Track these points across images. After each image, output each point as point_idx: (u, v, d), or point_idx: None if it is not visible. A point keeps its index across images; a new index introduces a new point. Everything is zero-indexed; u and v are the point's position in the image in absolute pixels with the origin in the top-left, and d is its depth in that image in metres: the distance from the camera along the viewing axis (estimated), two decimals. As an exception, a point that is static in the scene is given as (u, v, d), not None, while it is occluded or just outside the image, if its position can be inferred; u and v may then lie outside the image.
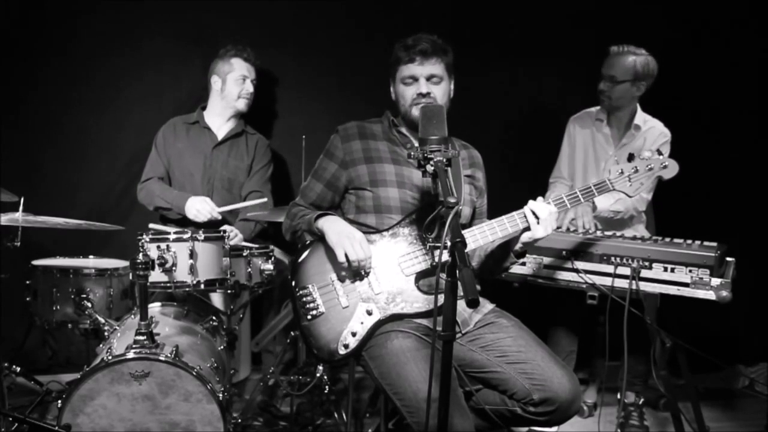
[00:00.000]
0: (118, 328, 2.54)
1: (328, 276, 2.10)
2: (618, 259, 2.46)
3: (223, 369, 2.53)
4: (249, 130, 3.30)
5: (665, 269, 2.39)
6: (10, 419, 2.30)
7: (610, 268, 2.47)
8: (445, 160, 1.79)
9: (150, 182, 3.15)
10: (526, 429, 2.53)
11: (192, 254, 2.35)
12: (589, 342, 3.20)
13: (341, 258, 2.01)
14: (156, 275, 2.31)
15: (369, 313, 2.04)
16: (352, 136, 2.22)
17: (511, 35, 3.71)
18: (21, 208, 2.64)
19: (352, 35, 3.63)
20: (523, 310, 2.24)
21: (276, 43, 3.57)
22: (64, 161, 3.48)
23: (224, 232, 2.53)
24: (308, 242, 2.16)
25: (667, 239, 2.52)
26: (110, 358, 2.18)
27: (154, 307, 2.62)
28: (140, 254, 2.23)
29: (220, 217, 3.00)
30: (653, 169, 2.12)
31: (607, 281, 2.48)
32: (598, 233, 2.65)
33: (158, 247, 2.32)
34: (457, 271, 1.52)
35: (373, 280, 2.07)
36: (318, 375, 2.87)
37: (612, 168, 2.13)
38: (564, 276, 2.57)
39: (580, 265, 2.52)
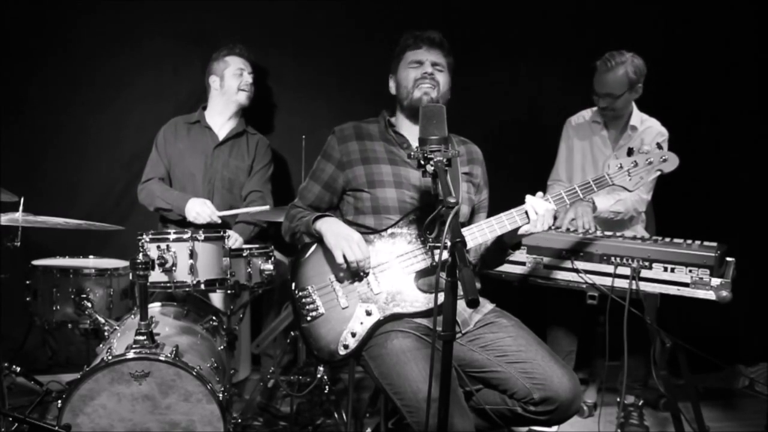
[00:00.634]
0: (118, 328, 2.54)
1: (327, 277, 2.10)
2: (618, 259, 2.46)
3: (223, 369, 2.53)
4: (250, 130, 3.30)
5: (665, 269, 2.39)
6: (10, 419, 2.30)
7: (610, 268, 2.47)
8: (445, 160, 1.79)
9: (150, 183, 3.14)
10: (526, 429, 2.53)
11: (192, 254, 2.36)
12: (588, 342, 3.20)
13: (339, 259, 2.01)
14: (156, 275, 2.32)
15: (368, 313, 2.04)
16: (348, 137, 2.22)
17: (511, 35, 3.71)
18: (21, 208, 2.64)
19: (352, 35, 3.64)
20: (523, 310, 2.24)
21: (276, 43, 3.57)
22: (64, 161, 3.48)
23: (224, 232, 2.53)
24: (307, 244, 2.16)
25: (667, 239, 2.52)
26: (110, 358, 2.18)
27: (154, 307, 2.62)
28: (140, 254, 2.23)
29: (219, 221, 3.01)
30: (653, 162, 2.10)
31: (607, 281, 2.48)
32: (598, 233, 2.65)
33: (158, 247, 2.33)
34: (457, 271, 1.52)
35: (372, 281, 2.06)
36: (318, 376, 2.86)
37: (611, 162, 2.11)
38: (564, 276, 2.57)
39: (580, 265, 2.52)
